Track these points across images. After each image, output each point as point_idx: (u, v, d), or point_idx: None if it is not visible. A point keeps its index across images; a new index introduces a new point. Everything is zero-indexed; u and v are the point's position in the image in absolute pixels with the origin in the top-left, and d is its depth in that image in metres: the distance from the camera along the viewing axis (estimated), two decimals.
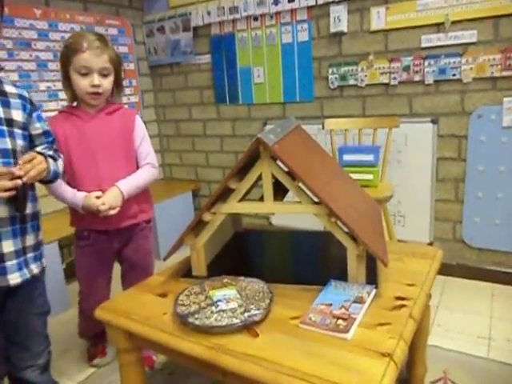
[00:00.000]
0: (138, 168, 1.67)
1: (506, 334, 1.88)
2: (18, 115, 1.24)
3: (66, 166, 1.57)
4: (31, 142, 1.30)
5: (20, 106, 1.26)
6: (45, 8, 2.58)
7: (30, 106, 1.29)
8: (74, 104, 1.62)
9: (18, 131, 1.23)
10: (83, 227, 1.65)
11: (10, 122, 1.21)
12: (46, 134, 1.34)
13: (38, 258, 1.33)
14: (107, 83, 1.55)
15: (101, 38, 1.54)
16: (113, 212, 1.54)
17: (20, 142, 1.23)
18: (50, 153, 1.33)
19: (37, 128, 1.31)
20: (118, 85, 1.63)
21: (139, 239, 1.74)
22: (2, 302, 1.30)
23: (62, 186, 1.57)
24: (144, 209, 1.72)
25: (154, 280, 1.39)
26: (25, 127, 1.26)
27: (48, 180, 1.31)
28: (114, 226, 1.63)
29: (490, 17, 2.10)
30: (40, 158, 1.20)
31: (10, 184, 1.11)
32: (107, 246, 1.69)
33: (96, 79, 1.51)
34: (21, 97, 1.27)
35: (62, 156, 1.42)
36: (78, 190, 1.56)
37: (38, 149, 1.30)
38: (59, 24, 2.65)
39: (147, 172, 1.66)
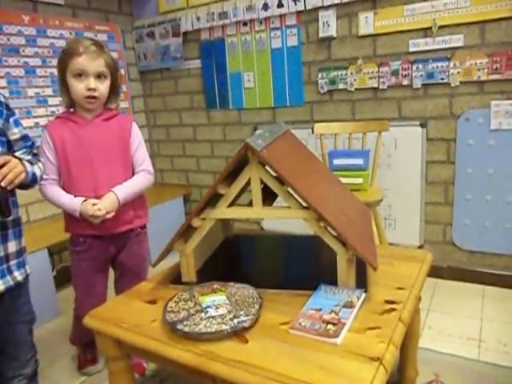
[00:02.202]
0: (133, 174, 1.67)
1: (497, 335, 1.89)
2: None
3: (62, 172, 1.58)
4: (10, 148, 1.28)
5: None
6: (33, 14, 2.57)
7: (6, 112, 1.26)
8: (71, 110, 1.62)
9: None
10: (79, 233, 1.65)
11: None
12: (24, 138, 1.33)
13: (21, 265, 1.31)
14: (103, 87, 1.56)
15: (97, 43, 1.56)
16: (108, 216, 1.54)
17: None
18: (29, 157, 1.31)
19: (14, 133, 1.29)
20: (113, 90, 1.63)
21: (134, 245, 1.74)
22: None
23: (58, 191, 1.58)
24: (139, 214, 1.72)
25: (143, 286, 1.38)
26: (2, 133, 1.24)
27: (27, 184, 1.28)
28: (109, 231, 1.63)
29: (476, 22, 2.12)
30: (15, 160, 1.17)
31: None
32: (103, 252, 1.68)
33: (92, 83, 1.52)
34: None
35: (42, 159, 1.40)
36: (75, 196, 1.56)
37: (17, 154, 1.28)
38: (48, 30, 2.63)
39: (143, 178, 1.67)
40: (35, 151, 1.38)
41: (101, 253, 1.68)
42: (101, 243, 1.66)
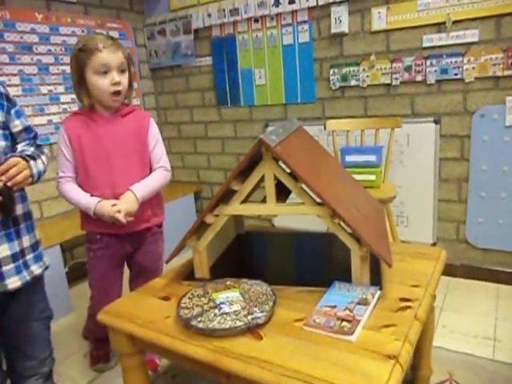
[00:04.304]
0: (151, 171, 1.65)
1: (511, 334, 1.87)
2: None
3: (79, 169, 1.55)
4: (12, 141, 1.25)
5: None
6: (46, 12, 2.58)
7: (7, 104, 1.23)
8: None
9: None
10: (95, 231, 1.62)
11: None
12: (26, 130, 1.29)
13: (39, 258, 1.31)
14: (125, 80, 1.53)
15: (111, 37, 1.54)
16: (130, 219, 1.52)
17: (1, 143, 1.19)
18: (32, 149, 1.27)
19: (16, 125, 1.26)
20: (129, 84, 1.60)
21: (150, 244, 1.72)
22: (2, 308, 1.28)
23: (75, 189, 1.55)
24: (156, 213, 1.70)
25: (156, 283, 1.39)
26: (5, 127, 1.21)
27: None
28: (126, 229, 1.60)
29: (491, 16, 2.09)
30: (23, 163, 1.15)
31: None
32: (119, 250, 1.66)
33: (116, 76, 1.49)
34: None
35: (45, 151, 1.35)
36: (92, 194, 1.54)
37: (19, 146, 1.26)
38: (60, 28, 2.65)
39: (160, 176, 1.65)
40: (38, 142, 1.35)
41: (117, 251, 1.66)
42: (118, 241, 1.64)
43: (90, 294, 1.77)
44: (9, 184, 1.12)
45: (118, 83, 1.49)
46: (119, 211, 1.49)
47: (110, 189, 1.55)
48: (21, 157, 1.17)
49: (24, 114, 1.31)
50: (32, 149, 1.28)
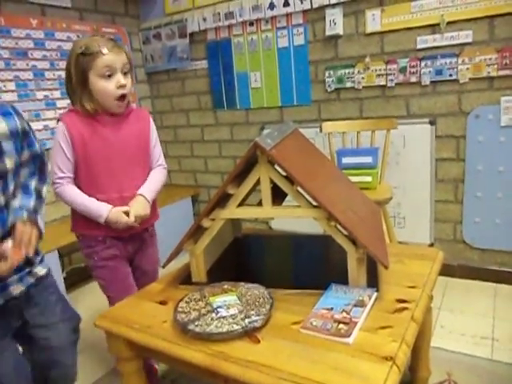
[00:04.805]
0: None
1: (510, 334, 1.86)
2: (10, 162, 1.11)
3: (81, 170, 1.48)
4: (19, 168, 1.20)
5: (12, 147, 1.12)
6: (41, 17, 2.58)
7: (21, 144, 1.16)
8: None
9: (10, 177, 1.13)
10: (96, 234, 1.55)
11: (2, 174, 1.10)
12: (34, 158, 1.23)
13: (42, 260, 1.31)
14: (129, 82, 1.49)
15: (111, 38, 1.48)
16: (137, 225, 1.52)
17: (12, 187, 1.15)
18: (33, 183, 1.23)
19: (25, 155, 1.20)
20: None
21: (149, 246, 1.70)
22: (24, 319, 1.26)
23: (78, 193, 1.49)
24: (153, 211, 1.66)
25: (153, 287, 1.39)
26: (17, 169, 1.16)
27: None
28: (127, 231, 1.55)
29: (485, 17, 2.10)
30: (27, 230, 1.13)
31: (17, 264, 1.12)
32: (123, 251, 1.61)
33: (122, 78, 1.44)
34: (12, 134, 1.11)
35: (48, 169, 1.31)
36: (97, 198, 1.48)
37: (21, 174, 1.20)
38: (55, 33, 2.65)
39: (161, 175, 1.65)
40: (41, 167, 1.27)
41: (121, 251, 1.60)
42: (120, 243, 1.59)
43: (109, 304, 1.61)
44: (30, 253, 1.14)
45: (123, 86, 1.45)
46: (135, 219, 1.49)
47: (116, 192, 1.51)
48: (25, 221, 1.14)
49: (35, 139, 1.23)
50: (33, 183, 1.23)
